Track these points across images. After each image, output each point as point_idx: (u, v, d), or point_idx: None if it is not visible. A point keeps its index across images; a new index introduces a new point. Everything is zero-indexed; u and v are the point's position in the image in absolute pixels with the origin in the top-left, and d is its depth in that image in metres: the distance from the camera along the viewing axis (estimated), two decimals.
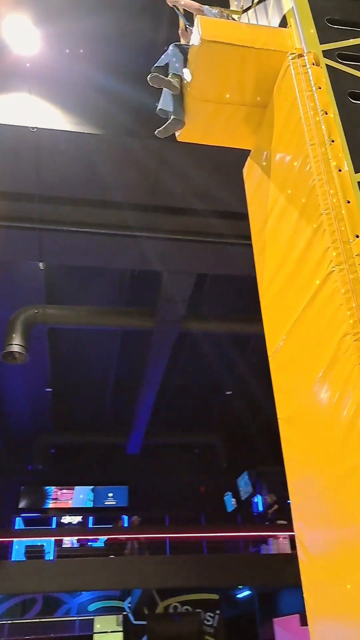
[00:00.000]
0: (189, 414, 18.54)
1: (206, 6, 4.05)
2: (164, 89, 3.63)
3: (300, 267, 2.76)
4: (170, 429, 18.94)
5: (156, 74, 3.43)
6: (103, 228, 9.28)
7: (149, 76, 3.47)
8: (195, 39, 3.34)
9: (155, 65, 3.50)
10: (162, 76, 3.42)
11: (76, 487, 18.95)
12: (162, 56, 3.56)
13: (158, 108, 3.61)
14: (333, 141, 2.78)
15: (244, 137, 3.80)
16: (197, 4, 4.05)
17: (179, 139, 3.83)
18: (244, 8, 4.40)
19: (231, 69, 3.36)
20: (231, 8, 4.63)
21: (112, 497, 18.75)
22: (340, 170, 2.70)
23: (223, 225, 9.49)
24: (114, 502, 18.63)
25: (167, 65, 3.48)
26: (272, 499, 15.05)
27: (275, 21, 3.68)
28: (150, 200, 9.13)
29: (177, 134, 3.80)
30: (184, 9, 4.01)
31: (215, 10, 4.02)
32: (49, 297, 12.24)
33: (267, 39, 3.30)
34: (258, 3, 4.09)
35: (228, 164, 8.08)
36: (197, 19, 3.36)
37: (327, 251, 2.48)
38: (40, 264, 10.05)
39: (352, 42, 3.18)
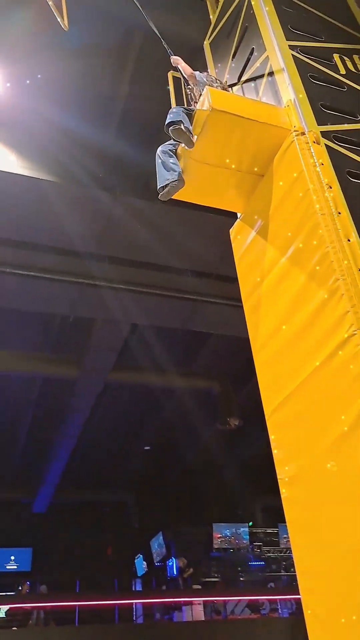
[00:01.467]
0: (101, 469, 17.88)
1: (197, 72, 4.34)
2: (160, 154, 3.77)
3: (309, 329, 2.89)
4: (81, 485, 18.09)
5: (179, 127, 3.54)
6: (44, 272, 9.07)
7: (170, 128, 3.58)
8: (204, 106, 3.52)
9: (168, 121, 3.63)
10: (184, 130, 3.55)
11: None
12: (170, 115, 3.69)
13: (172, 173, 3.70)
14: (340, 213, 3.02)
15: (233, 200, 3.99)
16: (190, 70, 4.31)
17: (173, 197, 3.93)
18: (229, 83, 4.73)
19: (234, 138, 3.57)
20: (219, 79, 4.95)
21: (13, 560, 17.26)
22: (349, 240, 2.92)
23: (161, 278, 9.69)
24: (16, 566, 17.14)
25: (174, 122, 3.61)
26: (183, 562, 14.67)
27: (268, 99, 3.99)
28: (96, 248, 9.13)
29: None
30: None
31: (205, 76, 4.31)
32: None
33: (269, 115, 3.57)
34: (245, 82, 4.43)
35: (183, 217, 8.44)
36: (206, 90, 3.58)
37: (346, 315, 2.63)
38: None
39: (346, 127, 3.53)
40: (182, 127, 3.57)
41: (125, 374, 13.07)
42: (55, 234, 8.58)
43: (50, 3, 5.17)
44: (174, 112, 3.69)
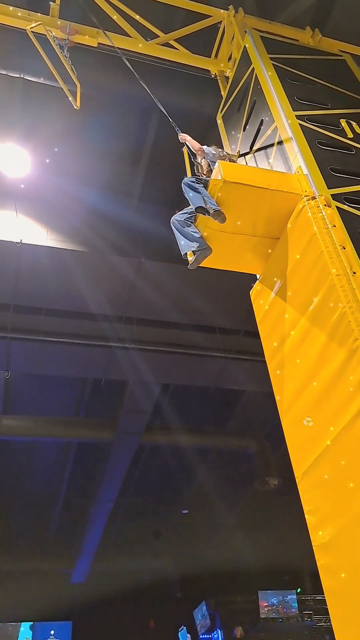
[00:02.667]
0: (140, 536, 17.40)
1: (205, 146, 4.60)
2: (177, 223, 3.97)
3: (334, 389, 2.89)
4: (119, 553, 17.56)
5: (217, 209, 3.71)
6: (75, 338, 9.31)
7: (212, 211, 3.73)
8: (217, 178, 3.72)
9: (197, 206, 3.80)
10: (219, 211, 3.71)
11: (13, 623, 16.77)
12: (193, 196, 3.86)
13: (195, 242, 3.87)
14: (354, 273, 3.09)
15: (251, 263, 4.11)
16: (198, 145, 4.58)
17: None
18: (240, 152, 4.98)
19: (247, 206, 3.74)
20: (226, 151, 5.23)
21: (53, 635, 16.66)
22: None
23: (192, 337, 9.79)
24: None
25: (202, 207, 3.80)
26: (240, 633, 13.83)
27: (279, 166, 4.18)
28: (124, 311, 9.36)
29: (189, 258, 4.05)
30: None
31: (212, 149, 4.55)
32: (7, 407, 11.75)
33: (279, 182, 3.73)
34: (257, 151, 4.65)
35: (203, 279, 8.63)
36: (218, 164, 3.78)
37: None
38: (6, 373, 9.77)
39: (356, 188, 3.66)
40: (216, 208, 3.72)
41: (159, 435, 12.95)
42: (84, 300, 8.86)
43: (64, 87, 5.62)
44: (195, 195, 3.85)
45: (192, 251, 3.88)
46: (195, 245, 3.80)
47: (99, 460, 13.57)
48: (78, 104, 5.49)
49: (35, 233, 7.99)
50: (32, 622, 17.06)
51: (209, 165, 4.30)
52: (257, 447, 13.03)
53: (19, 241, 7.71)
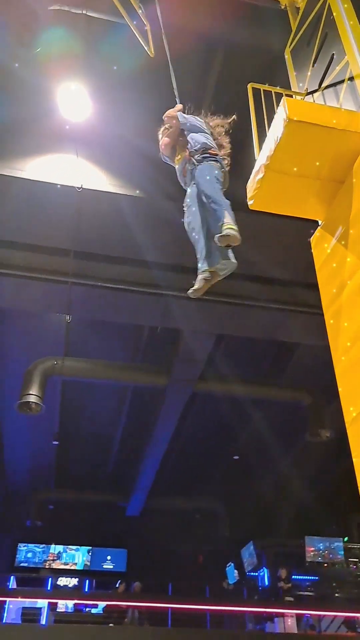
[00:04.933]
0: (191, 477, 18.09)
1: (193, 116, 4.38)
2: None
3: None
4: (173, 492, 18.40)
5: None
6: (132, 285, 9.45)
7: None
8: (280, 118, 3.57)
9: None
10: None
11: (73, 547, 18.23)
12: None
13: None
14: None
15: (313, 208, 3.99)
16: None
17: (251, 207, 4.01)
18: (309, 90, 4.73)
19: (312, 147, 3.59)
20: (293, 89, 4.98)
21: (110, 560, 17.98)
22: None
23: (247, 288, 9.69)
24: (112, 566, 17.84)
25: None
26: (285, 574, 14.38)
27: (348, 104, 3.95)
28: (180, 260, 9.35)
29: (249, 202, 3.98)
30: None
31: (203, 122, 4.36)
32: (67, 350, 12.26)
33: (348, 121, 3.55)
34: (325, 88, 4.40)
35: (261, 228, 8.45)
36: (283, 100, 3.62)
37: None
38: (67, 317, 10.14)
39: None
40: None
41: (212, 384, 13.16)
42: (141, 248, 8.92)
43: (136, 31, 5.46)
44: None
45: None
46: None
47: (153, 404, 14.05)
48: (152, 49, 5.32)
49: (95, 178, 8.03)
50: (90, 548, 18.45)
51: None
52: (309, 400, 13.03)
53: (80, 186, 7.79)
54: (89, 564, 18.12)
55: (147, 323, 11.34)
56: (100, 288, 9.37)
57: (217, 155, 4.04)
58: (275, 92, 4.36)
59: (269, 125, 3.97)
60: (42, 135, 7.98)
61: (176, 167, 4.29)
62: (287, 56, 5.66)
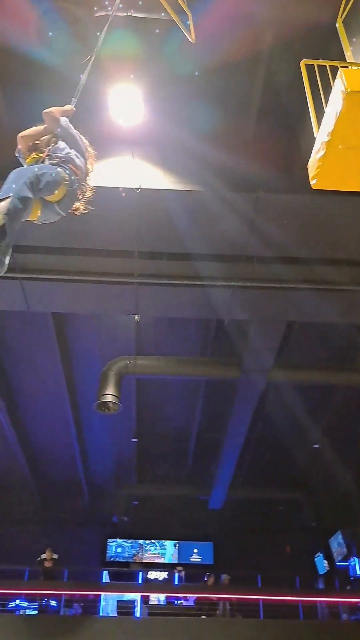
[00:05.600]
0: (272, 468, 17.93)
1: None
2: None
3: None
4: (254, 483, 18.34)
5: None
6: (197, 280, 9.46)
7: None
8: (338, 91, 3.44)
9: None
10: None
11: (160, 541, 18.66)
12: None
13: None
14: None
15: None
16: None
17: (314, 187, 3.89)
18: None
19: None
20: (348, 61, 4.77)
21: (197, 553, 18.22)
22: None
23: (314, 271, 9.44)
24: (199, 559, 18.07)
25: None
26: None
27: None
28: (244, 250, 9.26)
29: (312, 182, 3.86)
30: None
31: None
32: (138, 348, 12.52)
33: None
34: None
35: (328, 207, 8.20)
36: (340, 71, 3.49)
37: None
38: (136, 317, 10.34)
39: None
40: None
41: (287, 372, 12.95)
42: (204, 241, 8.92)
43: (176, 19, 5.42)
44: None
45: None
46: None
47: (227, 397, 14.04)
48: (193, 36, 5.30)
49: (152, 177, 8.10)
50: (176, 541, 18.79)
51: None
52: None
53: (138, 187, 7.89)
54: (176, 557, 18.46)
55: (214, 316, 11.32)
56: (166, 285, 9.46)
57: (76, 174, 3.57)
58: (330, 65, 4.19)
59: (326, 103, 3.83)
60: (96, 141, 8.14)
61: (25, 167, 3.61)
62: (339, 25, 5.42)
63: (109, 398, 11.44)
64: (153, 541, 18.87)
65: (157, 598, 14.37)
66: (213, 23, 6.49)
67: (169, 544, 18.81)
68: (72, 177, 3.48)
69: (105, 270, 9.25)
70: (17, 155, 3.84)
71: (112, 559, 18.51)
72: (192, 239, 8.87)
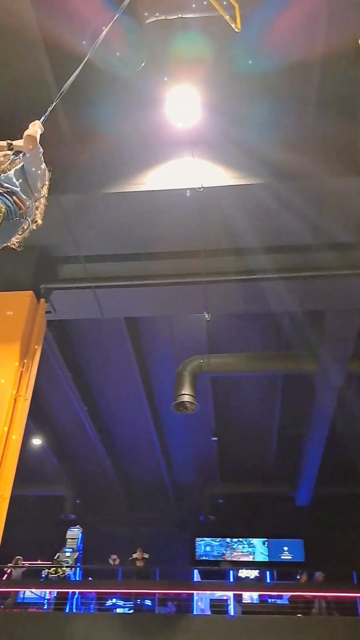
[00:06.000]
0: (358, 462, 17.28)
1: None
2: None
3: None
4: (342, 478, 17.76)
5: None
6: (266, 273, 9.32)
7: None
8: None
9: None
10: None
11: (248, 540, 18.57)
12: None
13: None
14: None
15: None
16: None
17: None
18: None
19: None
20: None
21: (287, 551, 17.96)
22: None
23: None
24: (290, 557, 17.80)
25: None
26: None
27: None
28: (311, 239, 9.03)
29: None
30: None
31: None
32: (211, 347, 12.52)
33: None
34: None
35: None
36: None
37: None
38: (206, 315, 10.35)
39: None
40: None
41: None
42: (272, 233, 8.79)
43: (219, 9, 5.33)
44: None
45: None
46: None
47: (306, 391, 13.72)
48: (238, 25, 5.22)
49: (213, 175, 8.09)
50: (265, 539, 18.61)
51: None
52: None
53: (200, 186, 7.90)
54: (266, 555, 18.29)
55: (285, 309, 11.11)
56: (234, 281, 9.41)
57: (20, 207, 3.34)
58: None
59: None
60: (155, 145, 8.29)
61: None
62: None
63: (186, 398, 11.53)
64: (241, 539, 18.80)
65: (250, 596, 14.29)
66: (273, 23, 6.41)
67: (257, 541, 18.67)
68: (13, 208, 3.29)
69: (172, 272, 9.35)
70: None
71: (201, 558, 18.65)
72: (256, 233, 8.77)
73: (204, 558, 18.65)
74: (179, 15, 6.05)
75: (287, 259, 9.16)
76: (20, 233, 3.51)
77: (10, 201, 3.28)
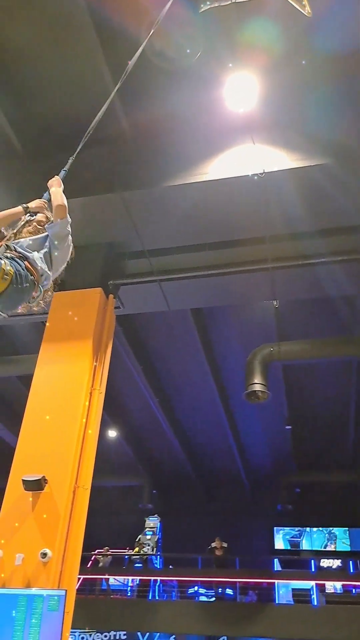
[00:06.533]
0: None
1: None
2: None
3: None
4: None
5: None
6: (332, 256, 9.01)
7: None
8: None
9: None
10: None
11: (328, 529, 18.20)
12: None
13: None
14: None
15: None
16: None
17: None
18: None
19: None
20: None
21: None
22: None
23: None
24: None
25: None
26: None
27: None
28: None
29: None
30: None
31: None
32: (281, 334, 12.31)
33: None
34: None
35: None
36: None
37: None
38: (274, 302, 10.19)
39: None
40: None
41: None
42: (339, 214, 8.48)
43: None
44: None
45: None
46: None
47: None
48: (309, 9, 5.03)
49: (274, 159, 7.91)
50: (347, 529, 18.17)
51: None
52: None
53: (262, 171, 7.75)
54: (348, 545, 17.86)
55: (356, 292, 10.71)
56: (301, 266, 9.17)
57: (32, 274, 3.15)
58: None
59: None
60: (215, 134, 8.21)
61: None
62: None
63: (257, 387, 11.42)
64: (320, 528, 18.47)
65: (334, 586, 14.03)
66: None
67: (338, 531, 18.26)
68: (24, 273, 3.10)
69: (238, 260, 9.24)
70: None
71: (281, 548, 18.50)
72: (322, 215, 8.49)
73: (284, 547, 18.50)
74: (233, 1, 5.91)
75: (354, 241, 8.81)
76: (29, 302, 3.30)
77: (21, 266, 3.11)
